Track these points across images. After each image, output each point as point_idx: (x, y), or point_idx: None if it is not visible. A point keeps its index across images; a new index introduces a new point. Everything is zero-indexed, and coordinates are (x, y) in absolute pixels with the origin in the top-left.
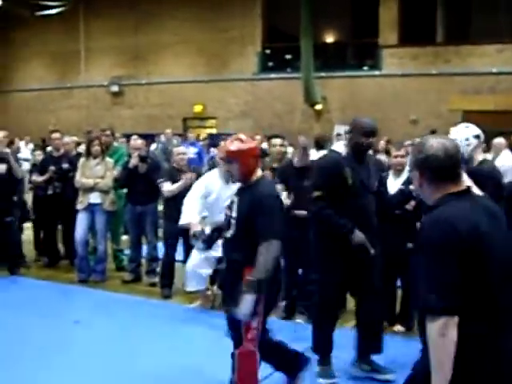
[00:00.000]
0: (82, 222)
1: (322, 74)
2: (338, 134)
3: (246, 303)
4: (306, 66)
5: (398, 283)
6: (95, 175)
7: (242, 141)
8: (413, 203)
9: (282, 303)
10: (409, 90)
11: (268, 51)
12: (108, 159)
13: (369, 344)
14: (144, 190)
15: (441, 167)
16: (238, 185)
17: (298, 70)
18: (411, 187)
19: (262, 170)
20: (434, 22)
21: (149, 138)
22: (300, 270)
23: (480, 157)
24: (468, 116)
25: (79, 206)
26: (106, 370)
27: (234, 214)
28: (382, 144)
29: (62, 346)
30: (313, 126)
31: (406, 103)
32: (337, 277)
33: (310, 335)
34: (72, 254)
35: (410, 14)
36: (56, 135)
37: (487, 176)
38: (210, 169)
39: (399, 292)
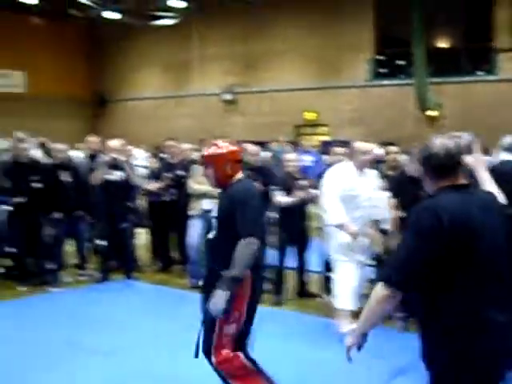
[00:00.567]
0: (194, 228)
1: (436, 80)
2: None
3: (218, 299)
4: (419, 72)
5: None
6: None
7: (217, 146)
8: None
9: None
10: None
11: (380, 57)
12: None
13: None
14: None
15: (440, 165)
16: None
17: (411, 76)
18: None
19: None
20: None
21: (260, 146)
22: None
23: None
24: None
25: (192, 212)
26: None
27: (215, 217)
28: None
29: (178, 347)
30: (425, 132)
31: None
32: None
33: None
34: (185, 260)
35: None
36: (171, 142)
37: None
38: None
39: None
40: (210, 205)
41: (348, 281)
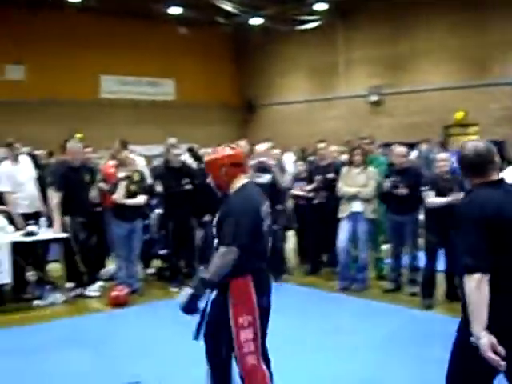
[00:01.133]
0: (344, 231)
1: None
2: None
3: (184, 296)
4: None
5: None
6: (357, 184)
7: (215, 152)
8: None
9: None
10: None
11: None
12: (370, 168)
13: None
14: (404, 199)
15: (470, 164)
16: None
17: None
18: None
19: None
20: None
21: (409, 147)
22: None
23: None
24: None
25: (341, 215)
26: (375, 375)
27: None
28: None
29: (326, 347)
30: None
31: None
32: None
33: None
34: (334, 262)
35: None
36: (322, 145)
37: None
38: None
39: None
40: (359, 207)
41: None
